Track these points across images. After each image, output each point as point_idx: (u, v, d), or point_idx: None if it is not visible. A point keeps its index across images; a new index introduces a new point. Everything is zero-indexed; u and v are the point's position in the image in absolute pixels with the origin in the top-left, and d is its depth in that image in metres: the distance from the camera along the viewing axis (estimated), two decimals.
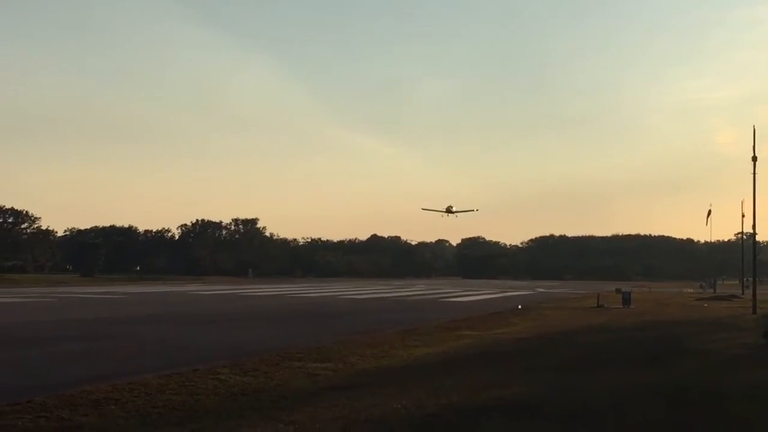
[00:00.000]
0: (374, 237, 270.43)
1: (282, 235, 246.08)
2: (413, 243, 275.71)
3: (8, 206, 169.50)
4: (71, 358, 23.49)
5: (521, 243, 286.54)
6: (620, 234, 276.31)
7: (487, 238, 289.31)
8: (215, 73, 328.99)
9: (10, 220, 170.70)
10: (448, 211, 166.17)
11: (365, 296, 75.31)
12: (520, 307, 56.40)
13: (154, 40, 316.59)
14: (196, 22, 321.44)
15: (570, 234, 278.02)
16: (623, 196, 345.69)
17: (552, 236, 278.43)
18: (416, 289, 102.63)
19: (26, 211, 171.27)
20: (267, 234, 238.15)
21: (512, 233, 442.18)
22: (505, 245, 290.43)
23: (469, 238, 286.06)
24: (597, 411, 14.44)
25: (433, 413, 13.79)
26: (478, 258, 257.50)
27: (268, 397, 15.59)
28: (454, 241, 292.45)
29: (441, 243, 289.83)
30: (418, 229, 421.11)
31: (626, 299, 59.19)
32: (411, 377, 18.81)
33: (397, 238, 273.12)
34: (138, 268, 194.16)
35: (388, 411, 13.87)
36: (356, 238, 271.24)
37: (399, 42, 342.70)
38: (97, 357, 24.05)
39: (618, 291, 75.03)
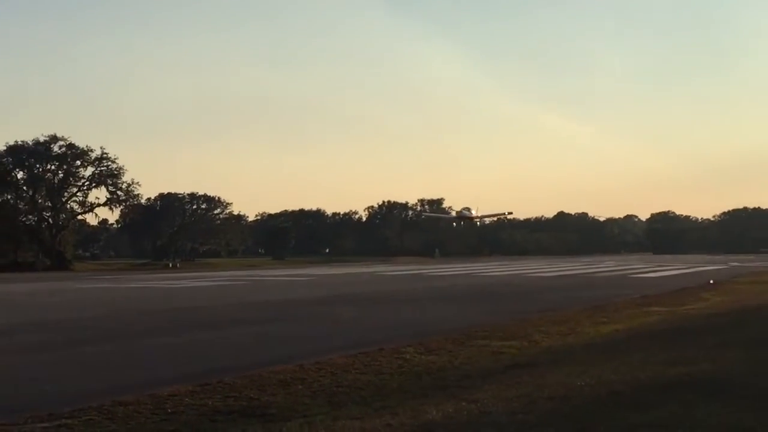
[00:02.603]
0: (561, 214, 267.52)
1: None
2: (601, 219, 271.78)
3: (202, 193, 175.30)
4: (261, 339, 24.17)
5: (713, 216, 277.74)
6: None
7: (678, 212, 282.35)
8: (397, 55, 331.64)
9: (203, 206, 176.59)
10: (461, 217, 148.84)
11: (552, 274, 74.66)
12: (711, 281, 54.81)
13: (337, 25, 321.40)
14: (378, 5, 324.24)
15: (765, 206, 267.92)
16: None
17: (746, 209, 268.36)
18: (604, 265, 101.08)
19: (219, 197, 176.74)
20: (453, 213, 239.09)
21: (704, 206, 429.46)
22: (697, 219, 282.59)
23: (659, 213, 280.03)
24: None
25: (618, 391, 13.53)
26: (668, 233, 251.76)
27: (452, 376, 15.62)
28: (644, 216, 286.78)
29: (630, 218, 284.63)
30: (606, 204, 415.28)
31: None
32: (597, 354, 18.55)
33: (585, 214, 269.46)
34: (327, 250, 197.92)
35: (572, 388, 13.69)
36: (542, 216, 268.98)
37: (583, 16, 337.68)
38: (285, 337, 24.69)
39: None
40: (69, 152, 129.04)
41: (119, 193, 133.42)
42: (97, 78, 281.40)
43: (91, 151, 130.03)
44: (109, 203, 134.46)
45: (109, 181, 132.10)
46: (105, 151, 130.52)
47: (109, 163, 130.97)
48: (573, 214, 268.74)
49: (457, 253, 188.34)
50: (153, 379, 16.05)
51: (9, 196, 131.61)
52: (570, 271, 79.80)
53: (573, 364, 16.63)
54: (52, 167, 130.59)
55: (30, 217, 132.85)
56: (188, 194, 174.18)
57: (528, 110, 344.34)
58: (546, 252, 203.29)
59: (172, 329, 26.96)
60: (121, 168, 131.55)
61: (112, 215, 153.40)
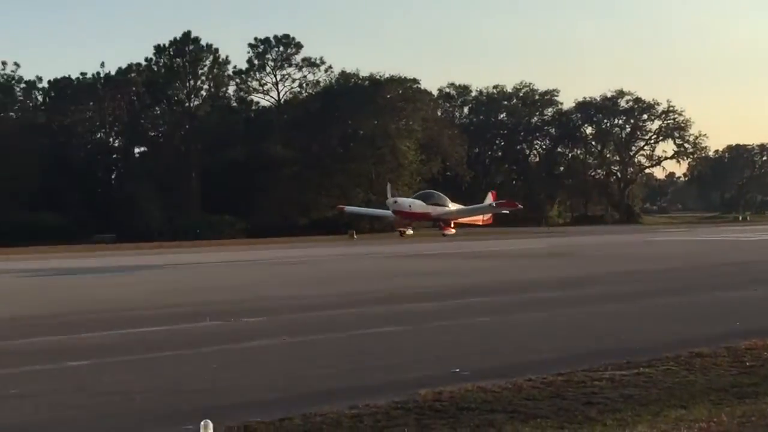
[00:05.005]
0: None
1: None
2: None
3: None
4: None
5: None
6: None
7: None
8: None
9: None
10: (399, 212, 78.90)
11: None
12: None
13: None
14: None
15: None
16: None
17: None
18: None
19: None
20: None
21: None
22: None
23: None
24: None
25: None
26: None
27: None
28: None
29: None
30: None
31: None
32: None
33: None
34: None
35: None
36: None
37: None
38: None
39: None
40: (635, 106, 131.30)
41: (686, 145, 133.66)
42: (668, 30, 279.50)
43: (658, 104, 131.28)
44: (676, 156, 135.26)
45: (676, 134, 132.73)
46: (671, 103, 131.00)
47: (676, 115, 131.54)
48: None
49: None
50: (728, 333, 15.93)
51: (579, 152, 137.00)
52: None
53: None
54: (619, 122, 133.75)
55: (599, 171, 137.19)
56: (758, 145, 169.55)
57: None
58: None
59: (737, 283, 26.45)
60: (687, 120, 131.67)
61: (679, 168, 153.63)
